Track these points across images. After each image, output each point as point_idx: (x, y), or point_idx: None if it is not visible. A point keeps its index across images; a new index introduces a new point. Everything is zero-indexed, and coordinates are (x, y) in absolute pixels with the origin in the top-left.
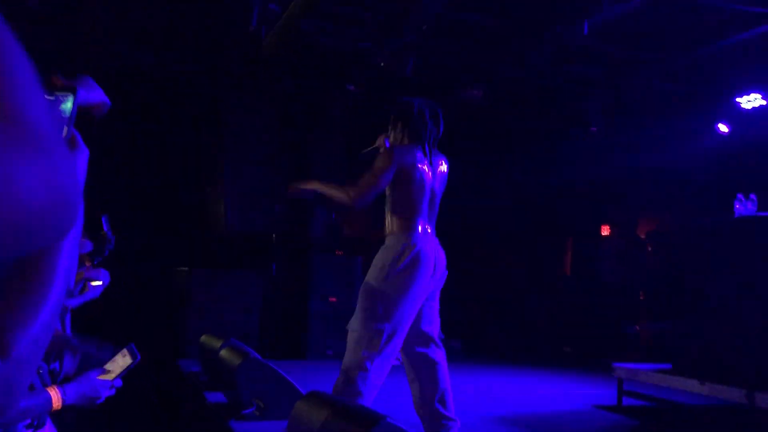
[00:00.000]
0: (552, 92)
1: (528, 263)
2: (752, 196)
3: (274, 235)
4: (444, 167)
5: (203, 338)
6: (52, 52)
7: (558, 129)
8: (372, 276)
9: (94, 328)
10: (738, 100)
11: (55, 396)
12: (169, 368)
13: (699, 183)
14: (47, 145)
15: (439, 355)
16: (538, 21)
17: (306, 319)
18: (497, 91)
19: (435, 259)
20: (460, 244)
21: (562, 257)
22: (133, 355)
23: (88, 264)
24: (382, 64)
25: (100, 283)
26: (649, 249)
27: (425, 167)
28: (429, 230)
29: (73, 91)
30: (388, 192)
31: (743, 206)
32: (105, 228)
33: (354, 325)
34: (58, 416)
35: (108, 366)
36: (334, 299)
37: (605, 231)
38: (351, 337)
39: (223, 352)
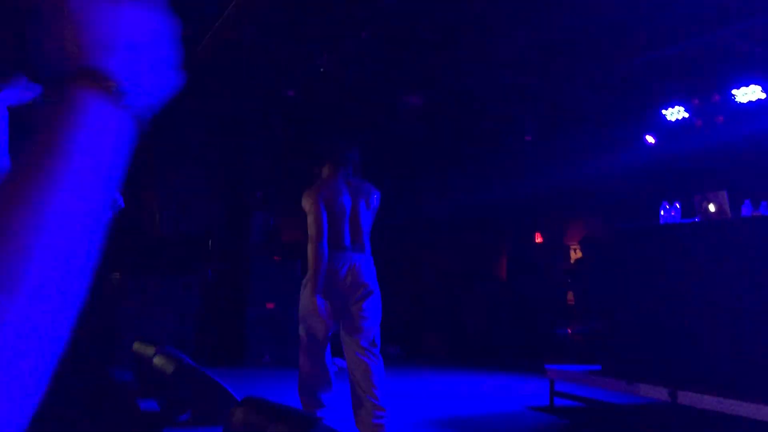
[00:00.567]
0: (487, 101)
1: (464, 269)
2: (676, 203)
3: (210, 240)
4: (371, 195)
5: (136, 345)
6: None
7: (494, 137)
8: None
9: None
10: (664, 112)
11: None
12: (101, 376)
13: (627, 191)
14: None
15: (370, 358)
16: (476, 30)
17: (243, 325)
18: (435, 99)
19: (352, 274)
20: (398, 252)
21: (498, 263)
22: None
23: None
24: (322, 70)
25: None
26: (580, 254)
27: (346, 196)
28: (350, 249)
29: None
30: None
31: (668, 213)
32: None
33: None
34: None
35: None
36: (271, 305)
37: (539, 238)
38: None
39: (157, 359)
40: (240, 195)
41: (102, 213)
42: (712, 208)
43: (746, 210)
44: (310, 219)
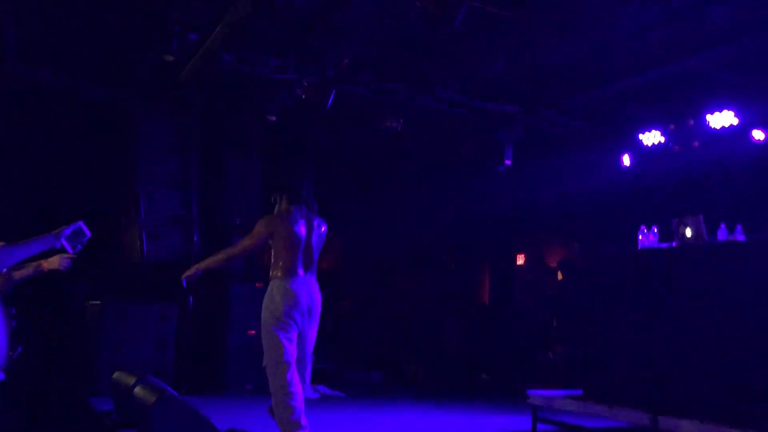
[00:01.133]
0: (467, 125)
1: (446, 293)
2: (654, 227)
3: (190, 267)
4: (321, 227)
5: (116, 375)
6: None
7: (474, 161)
8: (263, 317)
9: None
10: (641, 137)
11: None
12: (81, 406)
13: (606, 215)
14: None
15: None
16: (454, 57)
17: (225, 352)
18: (415, 124)
19: (308, 297)
20: (379, 275)
21: (480, 286)
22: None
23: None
24: (303, 97)
25: None
26: (560, 277)
27: (300, 226)
28: (303, 274)
29: None
30: (271, 244)
31: (646, 237)
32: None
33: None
34: None
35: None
36: (253, 332)
37: (520, 260)
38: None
39: (138, 389)
40: (220, 221)
41: None
42: (688, 232)
43: (722, 234)
44: (253, 239)
